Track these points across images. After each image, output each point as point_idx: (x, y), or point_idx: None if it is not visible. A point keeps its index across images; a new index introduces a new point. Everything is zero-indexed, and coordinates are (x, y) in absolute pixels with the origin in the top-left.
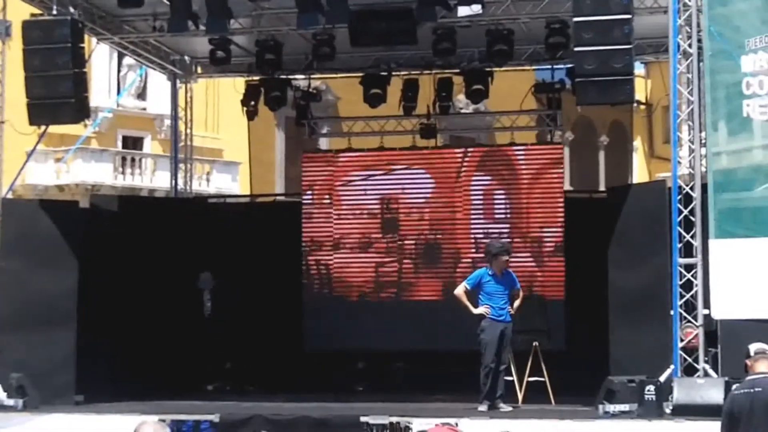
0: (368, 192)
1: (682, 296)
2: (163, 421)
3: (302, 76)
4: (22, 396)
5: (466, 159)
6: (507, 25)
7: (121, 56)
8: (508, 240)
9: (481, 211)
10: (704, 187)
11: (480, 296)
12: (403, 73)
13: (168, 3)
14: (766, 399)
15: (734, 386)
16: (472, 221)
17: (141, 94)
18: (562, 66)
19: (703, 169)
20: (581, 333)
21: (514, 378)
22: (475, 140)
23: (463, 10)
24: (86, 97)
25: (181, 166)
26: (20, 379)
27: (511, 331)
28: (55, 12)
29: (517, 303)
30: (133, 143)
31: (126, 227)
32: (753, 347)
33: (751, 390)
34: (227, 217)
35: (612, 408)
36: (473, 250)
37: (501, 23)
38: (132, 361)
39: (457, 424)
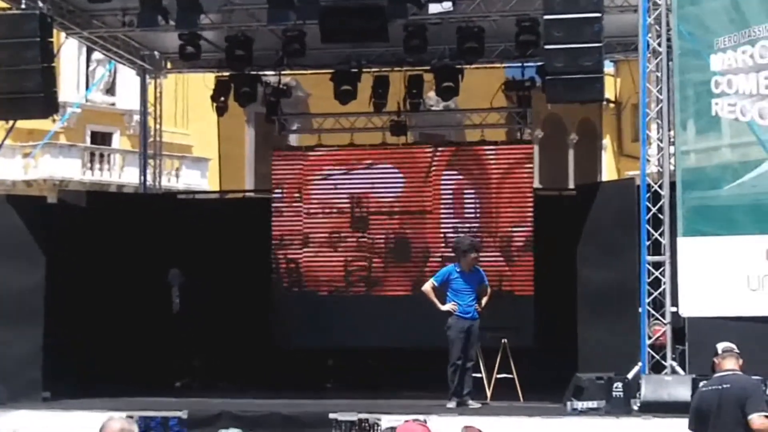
0: (338, 188)
1: (650, 294)
2: (131, 417)
3: (272, 72)
4: None
5: (437, 156)
6: (477, 23)
7: (90, 51)
8: (477, 237)
9: (451, 209)
10: (673, 185)
11: (448, 293)
12: (373, 69)
13: None
14: (734, 395)
15: (702, 383)
16: (442, 218)
17: (110, 90)
18: (532, 64)
19: (672, 168)
20: (550, 330)
21: (483, 375)
22: (445, 137)
23: (433, 8)
24: (55, 92)
25: (150, 161)
26: None
27: (479, 327)
28: (23, 6)
29: (485, 300)
30: (101, 139)
31: (94, 223)
32: (720, 346)
33: (720, 387)
34: (196, 213)
35: (580, 405)
36: (443, 247)
37: (471, 21)
38: (100, 357)
39: (425, 421)
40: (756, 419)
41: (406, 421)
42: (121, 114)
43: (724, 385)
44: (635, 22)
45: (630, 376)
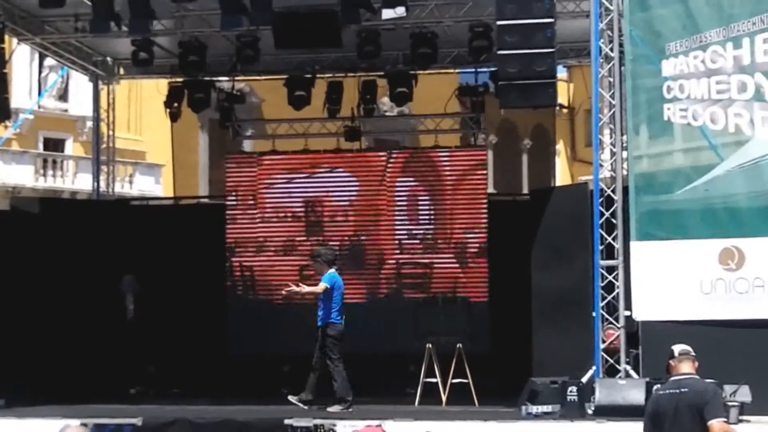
0: (292, 194)
1: (603, 298)
2: (85, 425)
3: (226, 78)
4: None
5: (391, 162)
6: (431, 28)
7: (42, 57)
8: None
9: (405, 214)
10: (626, 189)
11: None
12: (327, 75)
13: (90, 3)
14: (691, 400)
15: (657, 387)
16: (397, 224)
17: (63, 96)
18: (485, 69)
19: (625, 172)
20: (505, 335)
21: (438, 380)
22: (399, 143)
23: (387, 13)
24: (6, 98)
25: (104, 168)
26: None
27: (321, 335)
28: None
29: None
30: (54, 145)
31: (47, 230)
32: (677, 348)
33: (677, 390)
34: (150, 219)
35: (535, 409)
36: (397, 253)
37: (425, 26)
38: (54, 364)
39: (380, 425)
40: (716, 425)
41: (367, 426)
42: (73, 120)
43: (682, 389)
44: (587, 28)
45: (584, 380)
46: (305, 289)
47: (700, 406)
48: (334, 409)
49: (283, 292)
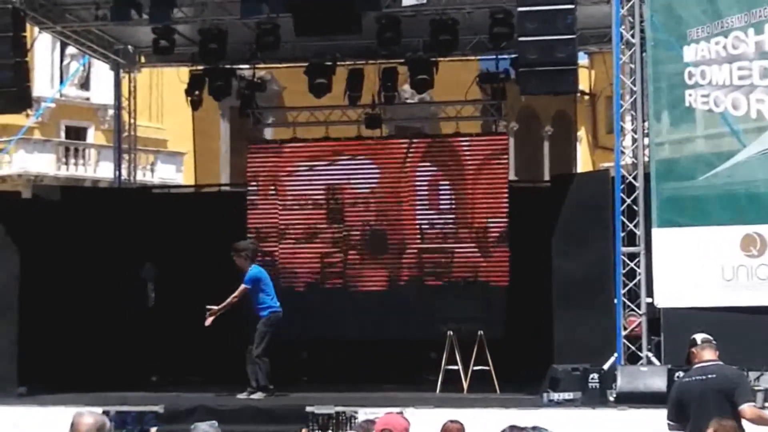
0: (313, 182)
1: (625, 285)
2: (107, 413)
3: (247, 66)
4: None
5: (411, 149)
6: (451, 15)
7: (64, 46)
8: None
9: (426, 201)
10: (647, 176)
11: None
12: (347, 62)
13: None
14: (719, 386)
15: (681, 374)
16: (417, 211)
17: (84, 84)
18: (506, 56)
19: (646, 159)
20: (526, 322)
21: (459, 367)
22: (420, 130)
23: (407, 0)
24: (28, 86)
25: (125, 156)
26: None
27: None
28: None
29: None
30: (76, 133)
31: (69, 218)
32: (699, 337)
33: (704, 377)
34: (171, 207)
35: (556, 396)
36: (418, 240)
37: (445, 13)
38: (75, 352)
39: (402, 412)
40: (747, 409)
41: (388, 413)
42: (95, 108)
43: (709, 376)
44: (608, 14)
45: (606, 367)
46: (225, 302)
47: (728, 391)
48: (258, 395)
49: (207, 322)
